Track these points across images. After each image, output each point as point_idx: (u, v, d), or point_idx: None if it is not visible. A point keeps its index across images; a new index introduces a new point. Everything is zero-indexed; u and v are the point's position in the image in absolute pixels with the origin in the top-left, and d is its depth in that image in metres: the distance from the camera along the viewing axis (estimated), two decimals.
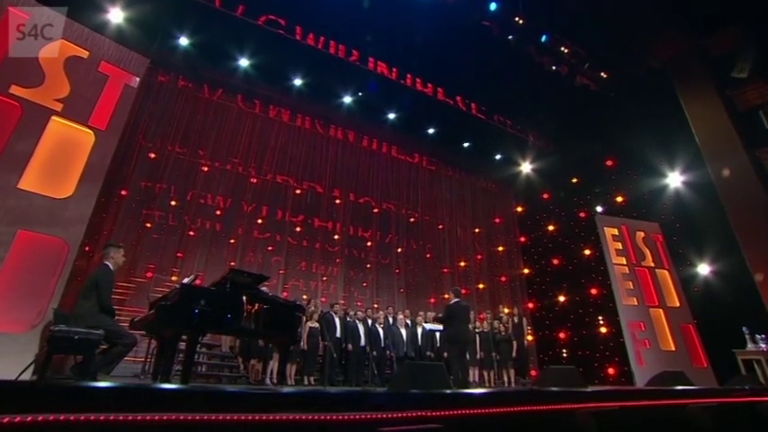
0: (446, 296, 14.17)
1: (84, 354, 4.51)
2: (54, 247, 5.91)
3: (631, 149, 12.41)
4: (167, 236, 10.59)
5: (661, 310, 10.72)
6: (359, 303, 12.89)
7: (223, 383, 7.80)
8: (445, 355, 9.27)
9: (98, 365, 4.66)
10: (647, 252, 11.33)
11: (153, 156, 10.91)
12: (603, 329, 12.93)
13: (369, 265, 13.48)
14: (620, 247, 11.18)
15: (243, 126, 12.29)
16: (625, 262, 11.06)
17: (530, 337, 12.89)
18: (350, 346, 8.99)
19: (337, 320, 9.17)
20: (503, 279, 15.49)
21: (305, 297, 11.66)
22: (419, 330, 10.16)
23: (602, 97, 12.82)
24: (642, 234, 11.47)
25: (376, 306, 12.98)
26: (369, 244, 13.71)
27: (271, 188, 12.37)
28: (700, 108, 11.15)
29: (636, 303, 10.69)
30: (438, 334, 9.86)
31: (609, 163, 13.75)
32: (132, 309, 9.36)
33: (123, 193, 10.26)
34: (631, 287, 10.82)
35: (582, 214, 14.21)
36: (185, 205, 10.98)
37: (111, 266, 5.07)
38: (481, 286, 15.12)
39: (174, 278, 10.44)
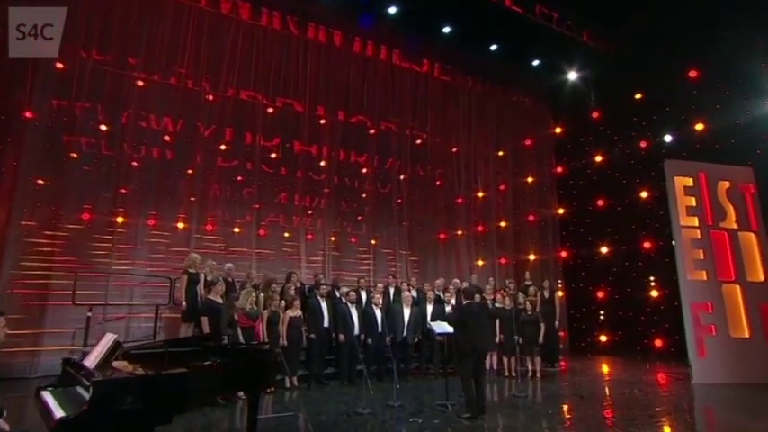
0: (458, 233, 12.83)
1: None
2: None
3: (727, 56, 9.78)
4: (102, 168, 8.83)
5: (737, 287, 8.83)
6: (353, 240, 11.79)
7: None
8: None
9: None
10: (730, 209, 9.10)
11: (60, 66, 8.45)
12: (654, 292, 11.05)
13: (364, 195, 11.94)
14: (694, 204, 9.01)
15: (185, 25, 9.60)
16: (697, 223, 8.94)
17: (560, 293, 11.02)
18: (341, 337, 7.77)
19: (324, 305, 7.95)
20: (530, 218, 13.52)
21: (291, 240, 10.52)
22: (429, 307, 8.63)
23: None
24: (726, 184, 9.15)
25: (375, 248, 11.60)
26: (364, 171, 12.06)
27: (233, 106, 10.27)
28: None
29: (705, 278, 8.79)
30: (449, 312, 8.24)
31: (692, 74, 10.85)
32: (63, 261, 7.94)
33: (28, 115, 8.17)
34: (701, 257, 8.83)
35: (643, 143, 11.66)
36: (120, 129, 9.09)
37: None
38: (503, 224, 13.28)
39: (119, 219, 8.80)
